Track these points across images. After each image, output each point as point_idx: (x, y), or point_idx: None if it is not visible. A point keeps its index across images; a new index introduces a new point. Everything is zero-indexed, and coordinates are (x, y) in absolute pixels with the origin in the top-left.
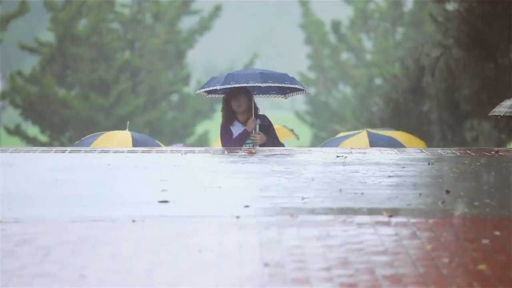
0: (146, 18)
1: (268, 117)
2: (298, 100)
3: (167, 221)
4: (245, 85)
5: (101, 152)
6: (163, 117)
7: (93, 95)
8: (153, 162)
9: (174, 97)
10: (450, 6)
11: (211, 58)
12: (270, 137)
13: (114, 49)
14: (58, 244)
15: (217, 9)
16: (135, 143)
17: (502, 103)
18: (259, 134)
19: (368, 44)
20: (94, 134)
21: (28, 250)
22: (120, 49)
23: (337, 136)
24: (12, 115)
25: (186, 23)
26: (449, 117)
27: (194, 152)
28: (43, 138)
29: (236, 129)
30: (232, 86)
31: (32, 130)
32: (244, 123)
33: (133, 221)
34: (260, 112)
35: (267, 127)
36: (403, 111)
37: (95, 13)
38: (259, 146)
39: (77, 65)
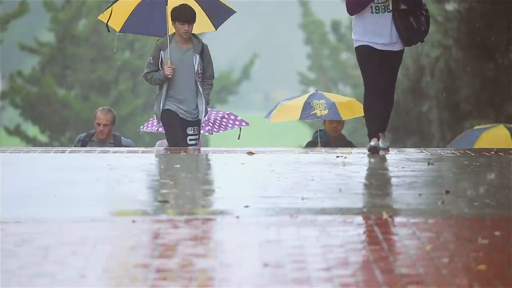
0: None
1: None
2: None
3: (167, 221)
4: None
5: (101, 152)
6: None
7: (93, 95)
8: (153, 162)
9: None
10: (450, 6)
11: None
12: None
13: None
14: (58, 244)
15: None
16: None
17: None
18: None
19: None
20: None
21: (28, 250)
22: (120, 49)
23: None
24: (12, 115)
25: None
26: (449, 117)
27: (193, 153)
28: (43, 138)
29: None
30: None
31: (32, 130)
32: None
33: (133, 221)
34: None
35: None
36: (403, 111)
37: (95, 13)
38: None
39: (77, 65)
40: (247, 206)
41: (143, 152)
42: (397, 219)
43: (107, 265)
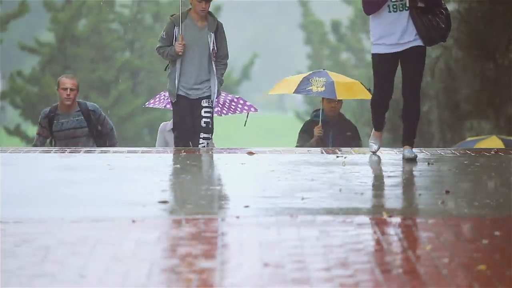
0: (146, 19)
1: None
2: (298, 100)
3: (167, 221)
4: None
5: (101, 152)
6: (163, 117)
7: (93, 95)
8: (153, 162)
9: None
10: (450, 6)
11: None
12: None
13: (114, 49)
14: (58, 244)
15: (217, 9)
16: None
17: None
18: None
19: (368, 44)
20: None
21: (28, 250)
22: (120, 49)
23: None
24: (12, 115)
25: None
26: (449, 117)
27: (193, 152)
28: None
29: None
30: None
31: (32, 130)
32: None
33: (133, 221)
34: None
35: None
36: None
37: (95, 13)
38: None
39: (77, 65)
40: (247, 206)
41: (143, 152)
42: (397, 219)
43: (107, 265)
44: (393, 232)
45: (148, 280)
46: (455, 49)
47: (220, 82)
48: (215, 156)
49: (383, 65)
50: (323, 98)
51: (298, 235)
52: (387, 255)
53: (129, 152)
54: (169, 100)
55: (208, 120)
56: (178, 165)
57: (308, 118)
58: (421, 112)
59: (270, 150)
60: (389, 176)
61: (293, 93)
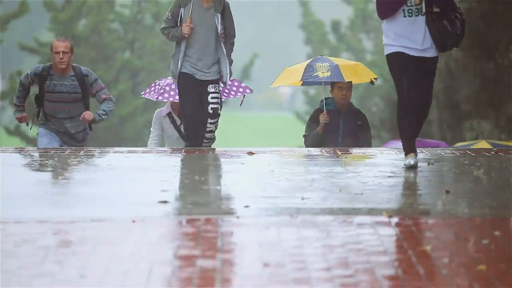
0: (146, 18)
1: None
2: (298, 100)
3: (167, 221)
4: None
5: (101, 152)
6: None
7: None
8: (153, 162)
9: None
10: None
11: None
12: None
13: (114, 49)
14: (58, 244)
15: None
16: None
17: None
18: None
19: (368, 44)
20: None
21: (28, 250)
22: (120, 49)
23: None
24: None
25: None
26: (449, 117)
27: (193, 152)
28: None
29: None
30: None
31: (32, 130)
32: None
33: (133, 221)
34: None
35: None
36: None
37: (95, 13)
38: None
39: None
40: (247, 206)
41: (143, 152)
42: (397, 219)
43: (107, 265)
44: (393, 232)
45: (148, 280)
46: (455, 49)
47: (230, 63)
48: (215, 156)
49: (400, 64)
50: (332, 88)
51: (298, 235)
52: (387, 255)
53: (129, 152)
54: (161, 92)
55: (216, 106)
56: (178, 165)
57: (308, 117)
58: None
59: (270, 150)
60: (389, 176)
61: (300, 80)
